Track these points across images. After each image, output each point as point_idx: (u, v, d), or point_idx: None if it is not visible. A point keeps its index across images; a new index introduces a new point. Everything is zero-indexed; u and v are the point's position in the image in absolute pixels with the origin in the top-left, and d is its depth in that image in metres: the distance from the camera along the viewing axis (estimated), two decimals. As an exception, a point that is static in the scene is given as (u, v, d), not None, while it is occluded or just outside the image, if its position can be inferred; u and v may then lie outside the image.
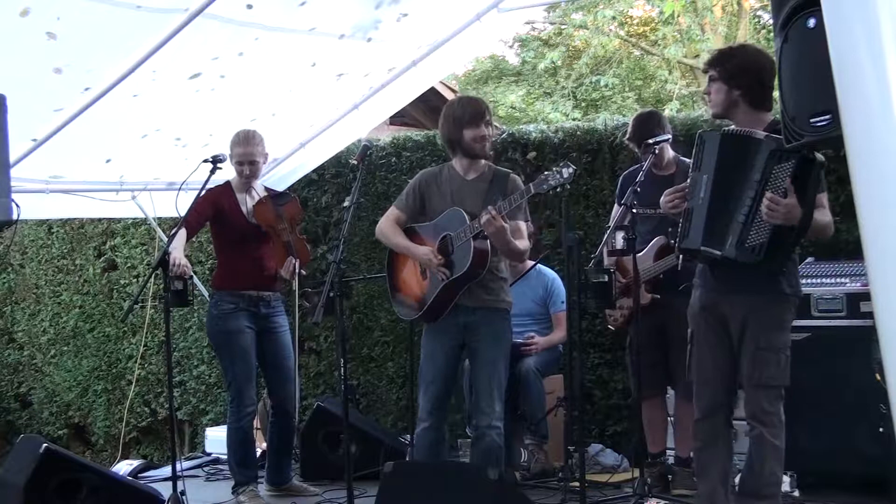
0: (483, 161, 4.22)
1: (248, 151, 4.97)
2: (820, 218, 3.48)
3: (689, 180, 3.64)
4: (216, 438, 6.30)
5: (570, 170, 3.88)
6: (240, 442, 5.02)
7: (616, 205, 4.90)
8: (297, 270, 5.00)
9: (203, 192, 4.74)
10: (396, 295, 4.39)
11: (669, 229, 3.98)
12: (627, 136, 4.94)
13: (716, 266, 3.63)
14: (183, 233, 4.68)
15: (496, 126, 5.03)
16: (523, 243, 4.12)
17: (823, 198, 3.54)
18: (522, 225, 4.13)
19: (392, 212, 4.30)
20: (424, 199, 4.25)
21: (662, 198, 3.76)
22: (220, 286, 5.05)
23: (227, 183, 5.10)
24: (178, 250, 4.55)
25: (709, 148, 3.55)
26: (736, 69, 3.58)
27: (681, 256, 4.31)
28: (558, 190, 3.95)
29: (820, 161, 3.44)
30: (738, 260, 3.44)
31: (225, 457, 5.88)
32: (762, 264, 3.42)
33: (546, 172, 3.96)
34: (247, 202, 5.06)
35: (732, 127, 3.60)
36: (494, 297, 4.13)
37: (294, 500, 4.98)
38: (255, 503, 4.90)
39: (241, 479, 5.01)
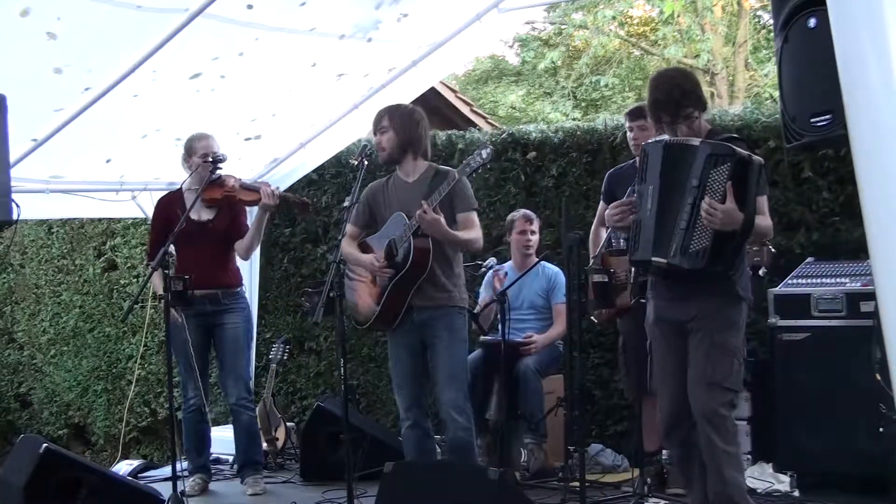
0: (424, 162, 4.30)
1: (210, 144, 5.09)
2: (759, 222, 3.47)
3: (634, 193, 3.64)
4: (216, 438, 6.27)
5: (488, 149, 4.00)
6: (186, 432, 5.26)
7: (602, 202, 4.89)
8: (274, 190, 5.07)
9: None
10: (354, 306, 4.45)
11: None
12: (626, 111, 4.98)
13: (667, 276, 3.63)
14: (156, 275, 4.73)
15: (495, 125, 5.05)
16: (472, 233, 4.18)
17: (764, 203, 3.52)
18: (472, 215, 4.20)
19: (348, 228, 4.37)
20: (373, 211, 4.36)
21: (608, 211, 3.78)
22: None
23: (179, 190, 5.18)
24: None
25: (652, 159, 3.54)
26: (684, 94, 3.54)
27: (633, 269, 4.31)
28: (479, 171, 4.12)
29: (758, 162, 3.44)
30: (683, 266, 3.42)
31: (225, 457, 5.92)
32: (708, 269, 3.41)
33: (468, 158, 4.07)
34: (194, 201, 5.06)
35: (670, 137, 3.58)
36: (447, 294, 4.18)
37: (294, 500, 4.98)
38: (197, 494, 5.12)
39: (190, 467, 5.27)
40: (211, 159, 4.86)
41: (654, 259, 3.52)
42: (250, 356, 5.64)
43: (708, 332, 3.52)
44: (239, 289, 5.31)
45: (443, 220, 4.01)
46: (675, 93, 3.54)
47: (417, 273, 4.10)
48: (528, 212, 5.61)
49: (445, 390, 4.13)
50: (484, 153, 3.98)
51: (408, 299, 4.15)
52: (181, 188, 5.21)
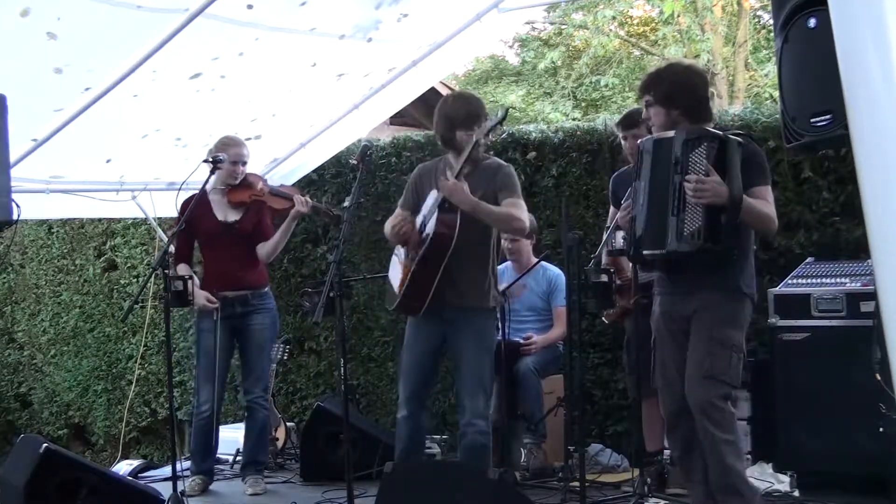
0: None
1: (242, 152, 5.12)
2: (761, 207, 3.49)
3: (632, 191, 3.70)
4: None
5: (503, 111, 3.90)
6: (195, 437, 5.22)
7: (612, 206, 4.90)
8: (308, 199, 5.09)
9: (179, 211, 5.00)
10: (388, 284, 4.38)
11: None
12: (616, 121, 4.98)
13: (671, 270, 3.66)
14: (182, 266, 5.02)
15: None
16: (514, 210, 3.99)
17: (767, 192, 3.54)
18: (518, 200, 4.03)
19: (396, 211, 4.31)
20: (419, 194, 4.25)
21: (619, 213, 3.82)
22: (202, 287, 5.15)
23: (203, 190, 5.13)
24: (199, 298, 4.93)
25: (645, 156, 3.61)
26: (669, 90, 3.62)
27: (631, 265, 4.33)
28: (496, 129, 3.94)
29: (735, 141, 3.47)
30: (681, 251, 3.45)
31: (225, 456, 5.92)
32: (706, 247, 3.43)
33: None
34: (221, 202, 5.15)
35: (657, 134, 3.64)
36: (481, 295, 4.09)
37: (294, 500, 4.98)
38: (197, 494, 5.08)
39: (193, 468, 5.24)
40: (211, 160, 4.86)
41: (646, 252, 3.57)
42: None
43: (708, 326, 3.53)
44: (266, 288, 5.30)
45: (467, 187, 3.88)
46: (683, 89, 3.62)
47: (440, 249, 3.94)
48: None
49: (469, 398, 4.03)
50: (499, 113, 3.89)
51: (434, 281, 3.99)
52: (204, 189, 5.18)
